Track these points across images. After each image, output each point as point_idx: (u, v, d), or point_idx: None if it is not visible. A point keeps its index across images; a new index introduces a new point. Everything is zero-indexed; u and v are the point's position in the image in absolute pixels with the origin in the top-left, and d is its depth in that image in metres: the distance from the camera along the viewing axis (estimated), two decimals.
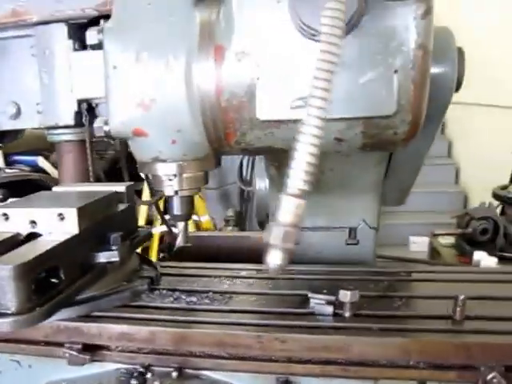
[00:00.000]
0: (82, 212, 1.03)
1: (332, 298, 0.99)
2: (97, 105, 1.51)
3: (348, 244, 1.35)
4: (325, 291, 1.00)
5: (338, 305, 0.97)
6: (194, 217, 2.44)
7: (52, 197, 1.20)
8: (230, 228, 1.62)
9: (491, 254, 1.53)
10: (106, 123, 1.01)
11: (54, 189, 1.28)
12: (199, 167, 1.03)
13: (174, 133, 0.97)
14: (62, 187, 1.29)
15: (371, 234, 1.35)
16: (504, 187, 1.75)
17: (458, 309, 0.90)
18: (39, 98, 1.54)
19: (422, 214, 4.14)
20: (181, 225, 1.09)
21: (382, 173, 1.28)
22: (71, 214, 1.02)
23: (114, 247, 1.10)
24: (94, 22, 1.48)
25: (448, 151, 5.45)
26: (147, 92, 0.95)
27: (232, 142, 0.98)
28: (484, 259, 1.52)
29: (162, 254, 1.42)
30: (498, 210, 1.73)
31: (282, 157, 1.21)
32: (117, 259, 1.09)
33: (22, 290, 0.87)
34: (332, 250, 1.36)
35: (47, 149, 2.87)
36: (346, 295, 0.95)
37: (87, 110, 1.51)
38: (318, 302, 0.98)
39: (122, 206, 1.21)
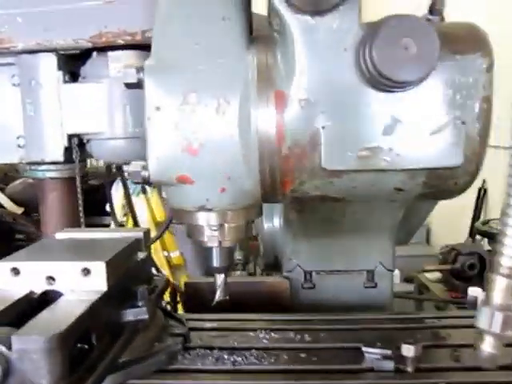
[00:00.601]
0: (110, 266, 0.93)
1: (388, 351, 0.95)
2: (88, 140, 1.40)
3: (366, 287, 1.33)
4: (379, 344, 0.96)
5: (396, 359, 0.93)
6: (164, 252, 2.33)
7: (65, 247, 1.08)
8: (238, 272, 1.52)
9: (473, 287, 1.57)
10: (144, 168, 0.91)
11: (58, 236, 1.15)
12: (245, 216, 0.96)
13: (225, 180, 0.90)
14: (66, 234, 1.16)
15: (388, 276, 1.34)
16: (485, 222, 1.82)
17: None
18: (21, 131, 1.41)
19: None
20: (220, 278, 1.00)
21: (400, 216, 1.28)
22: (99, 269, 0.92)
23: (140, 303, 1.01)
24: (86, 53, 1.38)
25: None
26: (195, 136, 0.87)
27: (287, 190, 0.93)
28: (480, 295, 1.55)
29: (164, 302, 1.31)
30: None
31: (309, 202, 1.18)
32: (146, 317, 0.99)
33: (57, 365, 0.75)
34: (350, 293, 1.33)
35: (2, 180, 2.62)
36: (409, 350, 0.91)
37: (78, 146, 1.40)
38: (375, 357, 0.94)
39: (141, 255, 1.11)
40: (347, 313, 1.18)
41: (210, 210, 0.93)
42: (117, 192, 2.10)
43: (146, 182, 0.93)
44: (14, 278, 0.92)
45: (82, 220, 1.41)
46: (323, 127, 0.85)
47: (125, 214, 2.16)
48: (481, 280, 1.71)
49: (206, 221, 0.95)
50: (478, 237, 1.91)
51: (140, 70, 0.90)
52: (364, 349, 0.96)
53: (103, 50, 1.36)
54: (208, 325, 1.11)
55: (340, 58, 0.85)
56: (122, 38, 1.32)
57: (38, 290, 0.90)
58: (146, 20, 1.32)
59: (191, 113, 0.87)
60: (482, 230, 1.77)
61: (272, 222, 1.42)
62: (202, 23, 0.90)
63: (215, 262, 0.99)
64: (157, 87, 0.89)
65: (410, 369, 0.92)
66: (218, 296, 1.01)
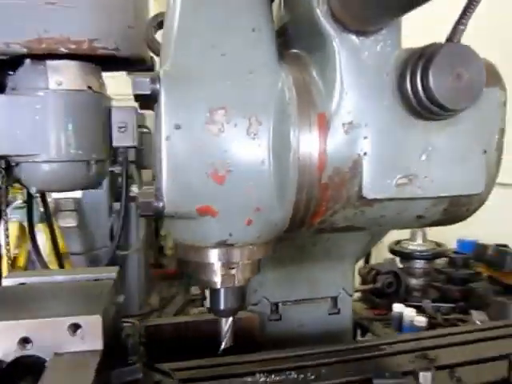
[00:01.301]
0: (105, 319, 0.71)
1: (401, 380, 0.86)
2: (17, 164, 1.10)
3: (330, 314, 1.22)
4: (387, 374, 0.87)
5: None
6: None
7: (34, 296, 0.79)
8: (196, 310, 1.26)
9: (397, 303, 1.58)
10: (158, 197, 0.70)
11: (6, 282, 0.86)
12: (263, 252, 0.80)
13: (252, 212, 0.73)
14: (16, 279, 0.87)
15: (349, 301, 1.25)
16: (397, 242, 1.84)
17: None
18: None
19: None
20: (227, 322, 0.82)
21: (367, 240, 1.21)
22: (93, 324, 0.69)
23: (132, 359, 0.78)
24: (17, 61, 1.08)
25: None
26: (222, 161, 0.70)
27: (316, 221, 0.79)
28: (404, 310, 1.55)
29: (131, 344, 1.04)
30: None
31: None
32: (140, 376, 0.77)
33: None
34: (314, 321, 1.21)
35: None
36: (426, 377, 0.84)
37: (5, 170, 1.09)
38: None
39: (121, 298, 0.88)
40: (334, 344, 1.05)
41: (230, 245, 0.75)
42: (12, 220, 1.71)
43: (157, 214, 0.71)
44: None
45: (8, 257, 1.08)
46: (365, 153, 0.74)
47: (19, 246, 1.76)
48: (397, 296, 1.72)
49: (222, 258, 0.76)
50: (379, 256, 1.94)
51: (155, 79, 0.69)
52: (376, 381, 0.86)
53: (39, 57, 1.08)
54: (198, 374, 0.91)
55: (381, 82, 0.75)
56: (65, 45, 1.06)
57: (8, 358, 0.65)
58: (96, 28, 1.08)
59: (218, 134, 0.69)
60: (395, 250, 1.80)
61: None
62: (230, 32, 0.73)
63: (223, 304, 0.80)
64: (177, 101, 0.69)
65: None
66: (225, 344, 0.83)
